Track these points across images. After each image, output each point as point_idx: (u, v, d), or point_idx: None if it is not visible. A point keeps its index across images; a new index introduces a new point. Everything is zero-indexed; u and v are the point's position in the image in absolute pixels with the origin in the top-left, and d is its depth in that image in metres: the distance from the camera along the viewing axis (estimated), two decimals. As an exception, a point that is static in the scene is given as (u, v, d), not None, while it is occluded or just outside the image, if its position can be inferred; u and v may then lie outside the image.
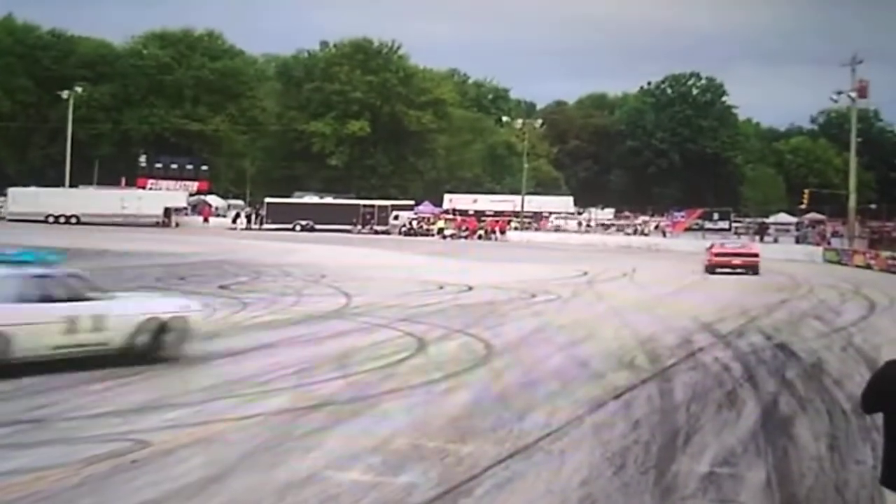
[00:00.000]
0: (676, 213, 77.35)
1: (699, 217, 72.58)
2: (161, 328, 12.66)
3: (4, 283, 11.39)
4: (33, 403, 9.92)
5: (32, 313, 11.33)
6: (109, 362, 11.94)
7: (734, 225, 71.45)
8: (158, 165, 79.08)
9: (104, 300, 12.41)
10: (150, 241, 43.58)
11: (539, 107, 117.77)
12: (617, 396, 11.40)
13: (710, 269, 35.23)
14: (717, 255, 36.29)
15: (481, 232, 66.99)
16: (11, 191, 67.38)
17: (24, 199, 65.26)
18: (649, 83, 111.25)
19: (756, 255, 36.34)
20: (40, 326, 11.36)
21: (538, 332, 17.30)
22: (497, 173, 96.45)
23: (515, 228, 69.78)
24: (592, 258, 42.15)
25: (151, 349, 12.53)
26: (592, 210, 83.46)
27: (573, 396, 11.37)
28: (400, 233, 66.33)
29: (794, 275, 34.68)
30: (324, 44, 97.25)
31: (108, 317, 12.12)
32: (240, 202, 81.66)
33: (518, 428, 9.63)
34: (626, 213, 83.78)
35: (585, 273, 33.02)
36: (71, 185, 72.36)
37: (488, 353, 14.39)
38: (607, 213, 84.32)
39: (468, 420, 9.98)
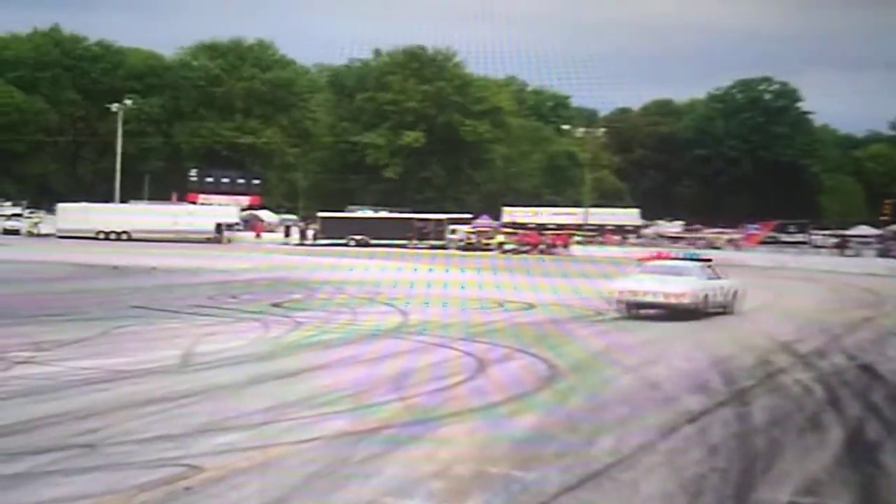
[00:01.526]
0: (750, 226, 76.22)
1: (774, 229, 71.43)
2: (734, 294, 24.49)
3: (703, 270, 23.78)
4: (82, 427, 10.01)
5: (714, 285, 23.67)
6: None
7: (812, 237, 70.22)
8: (209, 179, 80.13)
9: (720, 279, 24.26)
10: (201, 258, 44.08)
11: (601, 114, 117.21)
12: (691, 421, 11.22)
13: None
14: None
15: (543, 246, 66.66)
16: (61, 206, 68.65)
17: (74, 215, 66.46)
18: (718, 89, 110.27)
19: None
20: (716, 292, 23.55)
21: (605, 353, 17.12)
22: (557, 185, 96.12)
23: (578, 242, 69.32)
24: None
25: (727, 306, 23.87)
26: (660, 222, 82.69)
27: (644, 421, 11.21)
28: (457, 247, 66.28)
29: (878, 290, 33.94)
30: (377, 52, 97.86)
31: (724, 287, 24.04)
32: (292, 217, 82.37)
33: (586, 453, 9.50)
34: (696, 226, 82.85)
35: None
36: (121, 201, 73.49)
37: (552, 375, 14.25)
38: (675, 226, 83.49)
39: (533, 445, 9.87)
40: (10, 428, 9.72)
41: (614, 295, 23.54)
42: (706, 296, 23.02)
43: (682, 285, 22.57)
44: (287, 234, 70.11)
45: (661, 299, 22.49)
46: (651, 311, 22.84)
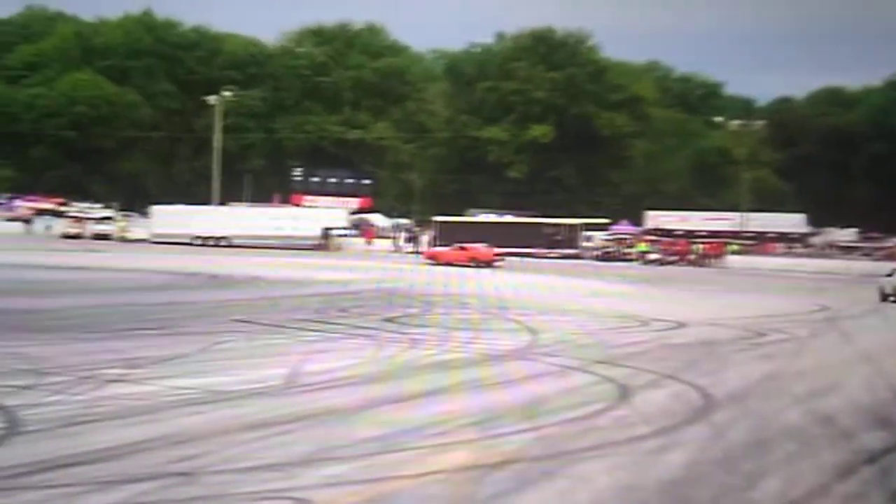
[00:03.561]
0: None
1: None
2: None
3: None
4: (179, 453, 10.23)
5: None
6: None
7: None
8: (315, 179, 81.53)
9: None
10: (307, 267, 44.91)
11: (760, 104, 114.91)
12: (870, 461, 10.87)
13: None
14: None
15: (693, 256, 65.75)
16: (156, 209, 70.59)
17: (170, 218, 68.32)
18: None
19: None
20: None
21: (768, 380, 16.75)
22: (709, 186, 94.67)
23: (735, 252, 68.09)
24: (833, 289, 40.73)
25: None
26: (830, 230, 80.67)
27: (815, 460, 10.91)
28: (593, 257, 65.90)
29: None
30: (500, 36, 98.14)
31: None
32: (406, 221, 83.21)
33: (747, 498, 9.30)
34: (874, 234, 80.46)
35: (825, 307, 32.02)
36: (220, 203, 75.20)
37: (707, 405, 13.98)
38: (849, 234, 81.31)
39: (684, 486, 9.69)
40: (101, 453, 9.99)
41: None
42: None
43: None
44: (404, 241, 70.55)
45: None
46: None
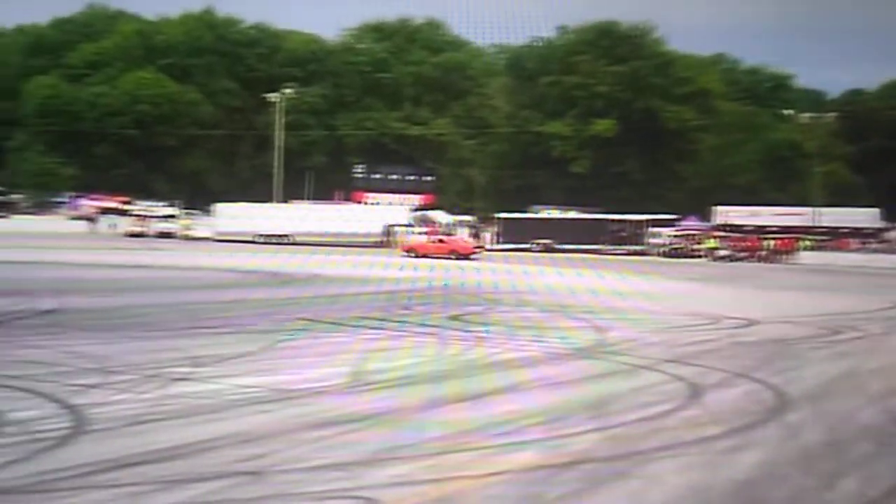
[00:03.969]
0: None
1: None
2: None
3: None
4: (246, 452, 10.31)
5: None
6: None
7: None
8: (376, 176, 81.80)
9: None
10: (369, 265, 45.12)
11: (830, 96, 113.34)
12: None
13: None
14: None
15: (763, 252, 65.05)
16: (219, 207, 71.43)
17: (233, 216, 69.12)
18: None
19: None
20: None
21: (844, 379, 16.53)
22: (779, 180, 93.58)
23: (807, 248, 67.24)
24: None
25: None
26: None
27: (893, 459, 10.74)
28: (660, 253, 65.44)
29: None
30: (562, 29, 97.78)
31: None
32: (469, 218, 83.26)
33: (825, 499, 9.20)
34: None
35: (900, 305, 31.46)
36: (281, 200, 75.86)
37: (781, 404, 13.81)
38: (926, 228, 79.95)
39: (759, 488, 9.60)
40: (168, 452, 10.11)
41: None
42: None
43: None
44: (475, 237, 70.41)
45: None
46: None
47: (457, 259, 52.86)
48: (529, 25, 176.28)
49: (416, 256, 54.36)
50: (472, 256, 55.03)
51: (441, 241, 57.39)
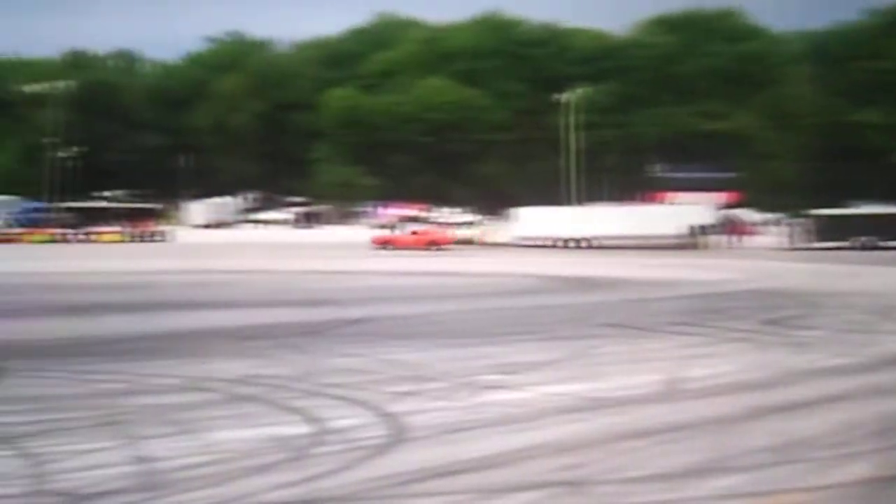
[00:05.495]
0: None
1: None
2: None
3: None
4: (563, 462, 10.42)
5: None
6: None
7: None
8: (676, 175, 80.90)
9: None
10: (673, 267, 44.72)
11: None
12: None
13: None
14: None
15: None
16: (520, 212, 72.80)
17: (533, 220, 70.28)
18: None
19: None
20: None
21: None
22: None
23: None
24: None
25: None
26: None
27: None
28: None
29: None
30: (870, 12, 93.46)
31: None
32: (774, 215, 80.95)
33: None
34: None
35: None
36: (578, 202, 76.33)
37: None
38: None
39: None
40: (485, 461, 10.34)
41: None
42: None
43: None
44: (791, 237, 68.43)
45: None
46: None
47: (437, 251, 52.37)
48: (832, 8, 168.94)
49: (394, 250, 55.75)
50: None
51: (415, 232, 59.05)
